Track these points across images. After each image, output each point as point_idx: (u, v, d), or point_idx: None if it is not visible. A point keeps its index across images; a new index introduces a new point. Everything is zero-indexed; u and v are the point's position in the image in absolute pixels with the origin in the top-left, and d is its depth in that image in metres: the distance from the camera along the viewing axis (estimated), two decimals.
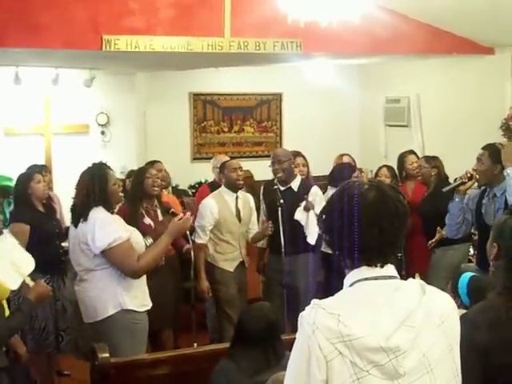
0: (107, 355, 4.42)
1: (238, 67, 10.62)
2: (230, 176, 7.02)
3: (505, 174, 5.63)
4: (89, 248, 5.04)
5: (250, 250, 7.39)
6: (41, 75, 10.16)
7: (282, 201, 6.87)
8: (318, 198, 7.04)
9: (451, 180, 6.96)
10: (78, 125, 10.80)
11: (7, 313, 4.53)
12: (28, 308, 4.49)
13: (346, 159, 8.66)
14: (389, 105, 11.63)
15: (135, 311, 5.18)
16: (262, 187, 7.53)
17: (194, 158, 11.83)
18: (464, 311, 2.93)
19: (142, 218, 6.40)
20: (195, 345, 6.34)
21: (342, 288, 2.22)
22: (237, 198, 7.07)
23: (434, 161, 7.54)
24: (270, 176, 7.34)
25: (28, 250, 5.04)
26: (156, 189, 6.57)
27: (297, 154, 7.84)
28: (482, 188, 6.00)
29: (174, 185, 8.26)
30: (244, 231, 7.16)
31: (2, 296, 4.50)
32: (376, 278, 2.16)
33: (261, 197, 7.45)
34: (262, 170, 8.41)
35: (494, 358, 2.60)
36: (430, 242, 7.23)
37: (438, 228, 7.14)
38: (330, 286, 7.20)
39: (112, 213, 5.22)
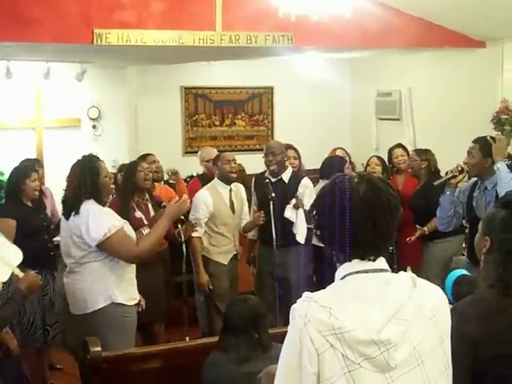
0: (99, 349, 4.42)
1: (230, 61, 10.62)
2: (223, 168, 7.02)
3: (495, 168, 5.64)
4: (82, 241, 5.04)
5: (241, 241, 7.41)
6: (32, 69, 10.15)
7: (273, 194, 6.87)
8: (309, 189, 7.05)
9: (442, 173, 6.97)
10: (69, 119, 10.79)
11: None
12: (20, 298, 4.49)
13: (339, 153, 8.68)
14: (380, 98, 11.63)
15: (125, 305, 5.19)
16: (253, 179, 7.53)
17: (186, 152, 11.81)
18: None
19: (133, 211, 6.41)
20: (187, 338, 6.36)
21: (332, 281, 2.22)
22: (230, 190, 7.07)
23: (424, 154, 7.56)
24: (261, 169, 7.34)
25: (15, 244, 5.04)
26: (148, 182, 6.58)
27: (288, 146, 7.85)
28: (473, 181, 6.01)
29: (165, 179, 8.24)
30: (238, 223, 7.17)
31: None
32: (367, 272, 2.16)
33: (252, 189, 7.46)
34: (253, 163, 8.41)
35: (484, 351, 2.60)
36: (408, 239, 7.22)
37: (418, 226, 7.18)
38: (320, 279, 7.23)
39: (103, 205, 5.22)
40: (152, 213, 6.52)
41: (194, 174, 9.63)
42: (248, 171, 9.65)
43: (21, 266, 4.66)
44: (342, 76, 12.04)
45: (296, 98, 12.09)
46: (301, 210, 6.88)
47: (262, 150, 7.50)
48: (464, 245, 7.16)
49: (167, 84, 11.51)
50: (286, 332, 2.12)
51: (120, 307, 5.16)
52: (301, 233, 6.88)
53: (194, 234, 6.86)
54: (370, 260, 2.18)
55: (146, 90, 11.18)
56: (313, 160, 8.70)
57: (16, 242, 5.48)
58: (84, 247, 5.06)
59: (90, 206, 5.04)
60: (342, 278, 2.19)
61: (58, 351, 7.00)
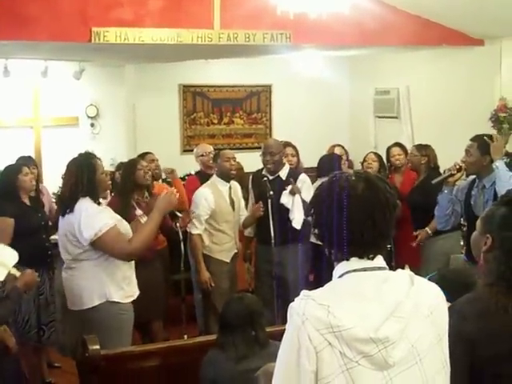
0: (97, 347, 4.42)
1: (228, 59, 10.61)
2: (223, 165, 7.02)
3: (493, 167, 5.64)
4: (76, 239, 5.04)
5: (240, 238, 7.42)
6: (30, 67, 10.13)
7: (271, 192, 6.87)
8: (306, 184, 7.06)
9: (442, 171, 6.97)
10: (67, 117, 10.78)
11: None
12: (16, 296, 4.50)
13: (337, 150, 8.67)
14: (378, 96, 11.63)
15: (120, 303, 5.18)
16: (250, 177, 7.53)
17: (184, 150, 11.79)
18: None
19: (134, 209, 6.40)
20: (185, 337, 6.35)
21: (330, 279, 2.22)
22: (230, 187, 7.06)
23: (425, 149, 7.56)
24: (260, 167, 7.34)
25: (12, 242, 5.03)
26: (148, 178, 6.59)
27: (287, 144, 7.86)
28: (471, 179, 6.01)
29: (163, 177, 8.25)
30: (238, 220, 7.17)
31: None
32: (365, 270, 2.16)
33: (249, 186, 7.45)
34: (251, 161, 8.41)
35: (481, 350, 2.60)
36: (413, 243, 7.23)
37: (418, 231, 7.18)
38: (318, 277, 7.23)
39: (99, 202, 5.22)
40: None
41: (193, 173, 9.63)
42: (246, 169, 9.64)
43: (17, 265, 4.67)
44: (340, 74, 12.02)
45: (294, 96, 12.09)
46: (297, 196, 6.88)
47: (260, 148, 7.50)
48: (462, 243, 7.16)
49: (165, 82, 11.50)
50: (285, 330, 2.13)
51: (115, 305, 5.15)
52: (297, 219, 6.86)
53: (194, 232, 6.86)
54: (368, 258, 2.18)
55: (144, 88, 11.16)
56: (311, 158, 8.69)
57: (13, 240, 5.50)
58: (79, 245, 5.06)
59: (84, 205, 5.03)
60: (339, 276, 2.19)
61: (56, 349, 7.00)
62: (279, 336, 2.20)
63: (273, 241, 6.84)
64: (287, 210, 6.95)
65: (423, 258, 7.31)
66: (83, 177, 5.08)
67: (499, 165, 5.61)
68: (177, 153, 11.72)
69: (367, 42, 8.76)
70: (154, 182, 7.33)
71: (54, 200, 7.80)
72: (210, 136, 12.10)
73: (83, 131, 10.96)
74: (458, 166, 5.87)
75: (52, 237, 6.45)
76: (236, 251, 7.15)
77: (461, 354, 2.51)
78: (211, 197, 6.89)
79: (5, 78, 9.90)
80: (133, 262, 5.32)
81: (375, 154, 8.38)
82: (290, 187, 6.94)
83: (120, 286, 5.19)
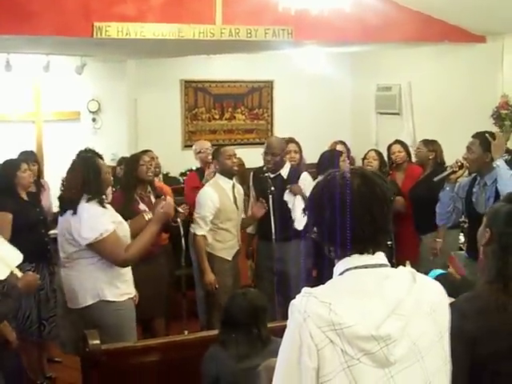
0: (98, 342, 4.42)
1: (230, 54, 10.62)
2: (225, 163, 6.98)
3: (494, 165, 5.63)
4: (72, 238, 5.02)
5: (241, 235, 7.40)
6: (32, 62, 10.15)
7: (272, 188, 6.87)
8: (307, 183, 7.04)
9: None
10: (69, 112, 10.80)
11: None
12: (16, 295, 4.50)
13: (339, 147, 8.65)
14: (380, 92, 11.64)
15: (115, 301, 5.16)
16: (251, 174, 7.52)
17: (185, 146, 11.80)
18: None
19: (137, 204, 6.41)
20: (186, 332, 6.35)
21: (332, 276, 2.22)
22: (233, 185, 7.04)
23: (432, 144, 7.54)
24: (261, 163, 7.33)
25: (12, 238, 5.01)
26: (150, 174, 6.59)
27: (290, 140, 7.85)
28: (473, 176, 6.00)
29: (164, 172, 8.25)
30: (240, 218, 7.15)
31: None
32: (366, 267, 2.16)
33: (250, 183, 7.44)
34: (253, 157, 8.40)
35: (481, 347, 2.61)
36: (433, 253, 7.19)
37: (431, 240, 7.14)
38: (320, 273, 7.22)
39: (103, 205, 5.18)
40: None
41: (194, 168, 9.63)
42: (247, 165, 9.64)
43: (20, 265, 4.68)
44: (342, 70, 12.02)
45: (296, 92, 12.09)
46: (299, 197, 6.88)
47: (261, 143, 7.50)
48: (462, 240, 7.16)
49: (167, 77, 11.51)
50: (285, 326, 2.12)
51: (111, 304, 5.12)
52: (299, 219, 6.84)
53: (199, 233, 6.82)
54: (368, 254, 2.18)
55: (145, 83, 11.17)
56: (312, 154, 8.67)
57: (12, 235, 5.49)
58: (74, 243, 5.04)
59: (87, 206, 5.00)
60: (340, 274, 2.18)
61: (57, 344, 7.00)
62: (280, 332, 2.20)
63: (273, 237, 6.83)
64: (288, 207, 6.96)
65: (421, 257, 7.28)
66: (89, 178, 5.05)
67: (500, 163, 5.61)
68: (178, 148, 11.73)
69: (369, 38, 8.76)
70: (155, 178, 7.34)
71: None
72: (212, 131, 12.12)
73: (85, 126, 10.97)
74: (459, 163, 5.87)
75: (51, 231, 6.44)
76: (238, 248, 7.14)
77: (461, 351, 2.51)
78: (216, 196, 6.84)
79: (7, 73, 9.91)
80: None
81: (376, 151, 8.34)
82: (290, 186, 6.95)
83: (115, 285, 5.16)
